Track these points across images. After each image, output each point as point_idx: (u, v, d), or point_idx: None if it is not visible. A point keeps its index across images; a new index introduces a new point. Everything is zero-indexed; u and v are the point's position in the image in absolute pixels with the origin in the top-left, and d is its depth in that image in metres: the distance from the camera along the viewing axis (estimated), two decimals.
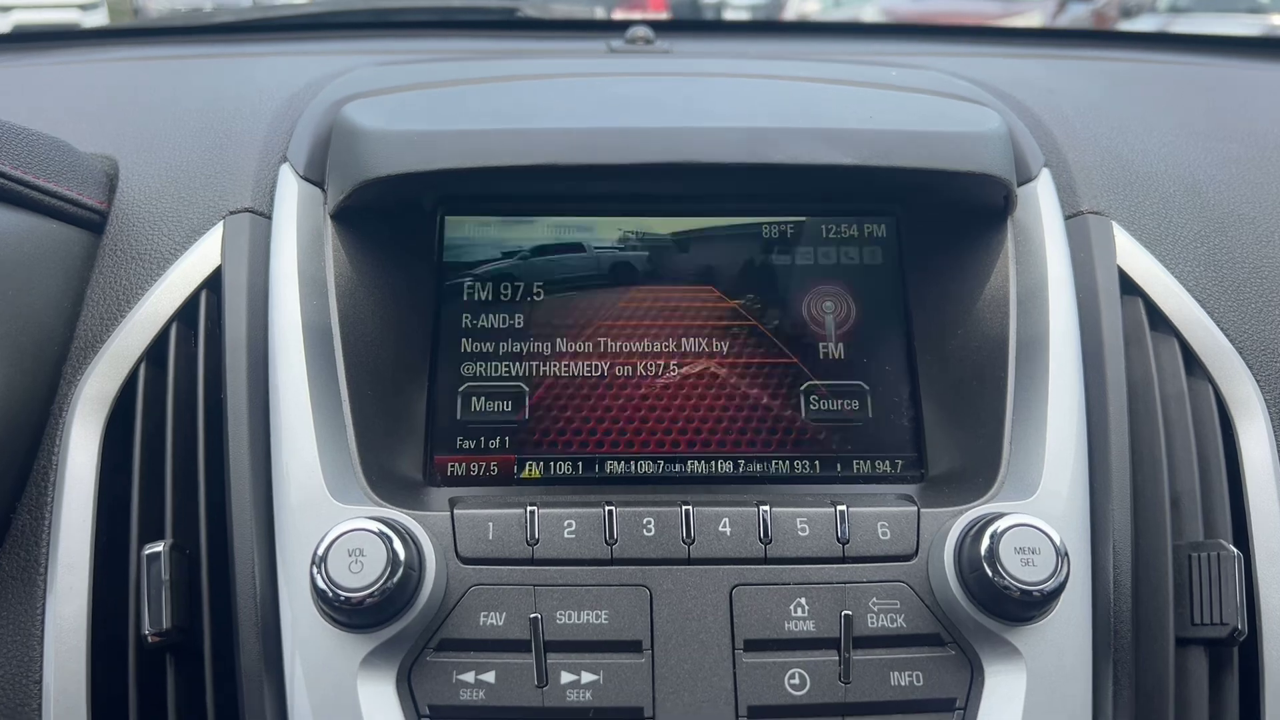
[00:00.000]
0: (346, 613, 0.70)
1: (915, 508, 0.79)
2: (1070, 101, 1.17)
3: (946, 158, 0.82)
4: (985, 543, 0.73)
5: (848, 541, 0.78)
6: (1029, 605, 0.72)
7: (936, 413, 0.91)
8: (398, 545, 0.71)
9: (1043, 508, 0.77)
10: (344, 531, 0.71)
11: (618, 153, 0.80)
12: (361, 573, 0.70)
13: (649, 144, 0.80)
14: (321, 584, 0.70)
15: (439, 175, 0.82)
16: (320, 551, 0.71)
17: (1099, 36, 1.77)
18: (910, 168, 0.81)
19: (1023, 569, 0.71)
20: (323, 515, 0.75)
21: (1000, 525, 0.73)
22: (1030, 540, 0.72)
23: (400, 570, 0.70)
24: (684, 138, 0.81)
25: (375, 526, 0.72)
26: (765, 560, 0.77)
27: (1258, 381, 0.90)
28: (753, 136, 0.81)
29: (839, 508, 0.79)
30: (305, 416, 0.80)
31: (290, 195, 0.93)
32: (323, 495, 0.77)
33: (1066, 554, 0.73)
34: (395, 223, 0.94)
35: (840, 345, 0.94)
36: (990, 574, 0.72)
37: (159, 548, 0.77)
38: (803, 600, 0.76)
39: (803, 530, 0.78)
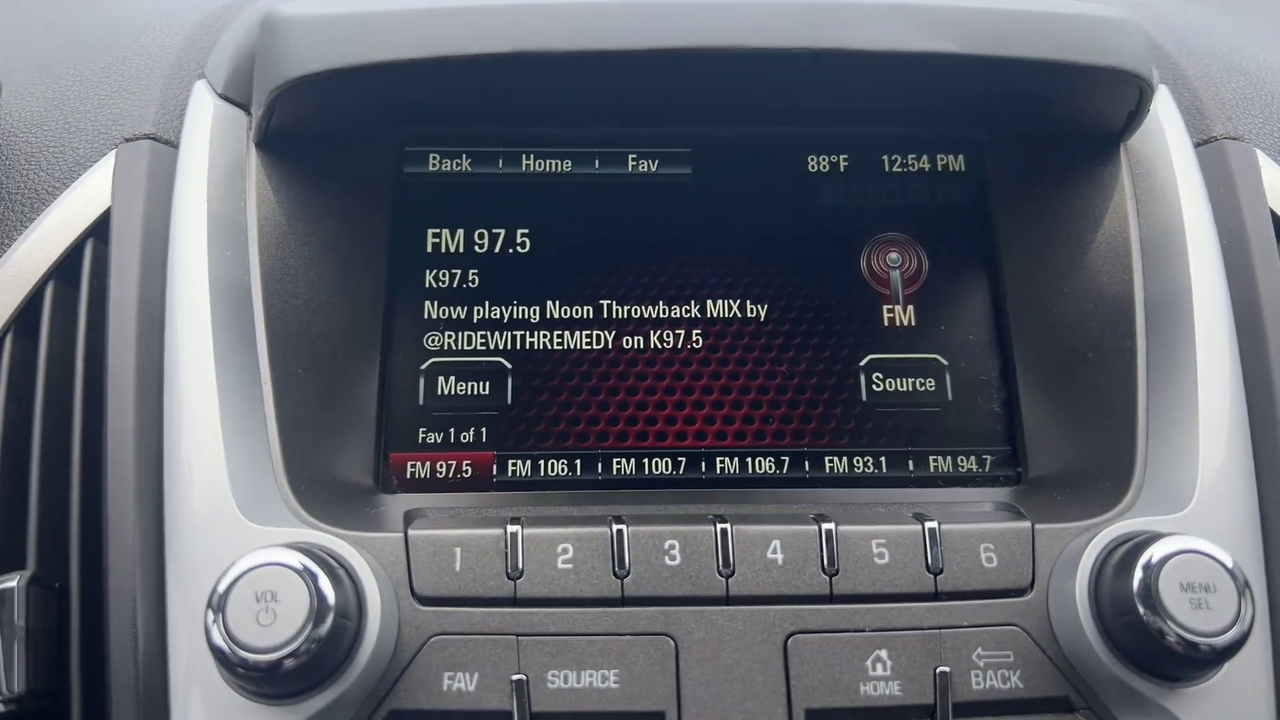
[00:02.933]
0: (256, 680, 0.50)
1: (1028, 523, 0.59)
2: (1172, 13, 0.96)
3: (1078, 47, 0.61)
4: (1138, 575, 0.53)
5: (941, 571, 0.58)
6: (1198, 663, 0.53)
7: (1037, 395, 0.71)
8: (325, 585, 0.51)
9: (1203, 523, 0.57)
10: (250, 567, 0.51)
11: (623, 35, 0.58)
12: (274, 625, 0.50)
13: (665, 23, 0.58)
14: (219, 640, 0.50)
15: (383, 75, 0.61)
16: (219, 594, 0.51)
17: None
18: (1034, 59, 0.60)
19: (1194, 613, 0.52)
20: (227, 539, 0.56)
21: (1157, 551, 0.54)
22: (1201, 572, 0.53)
23: (330, 620, 0.51)
24: (715, 14, 0.59)
25: (295, 559, 0.52)
26: (831, 599, 0.57)
27: None
28: (811, 11, 0.59)
29: (927, 524, 0.59)
30: (210, 403, 0.60)
31: (204, 118, 0.72)
32: (229, 511, 0.57)
33: (1249, 589, 0.53)
34: (339, 153, 0.73)
35: (910, 309, 0.74)
36: (1148, 620, 0.52)
37: (12, 582, 0.57)
38: (883, 653, 0.56)
39: (880, 556, 0.58)
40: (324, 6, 0.63)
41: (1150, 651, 0.53)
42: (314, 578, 0.51)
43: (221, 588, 0.51)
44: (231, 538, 0.55)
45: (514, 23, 0.57)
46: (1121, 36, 0.63)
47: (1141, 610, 0.52)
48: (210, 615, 0.51)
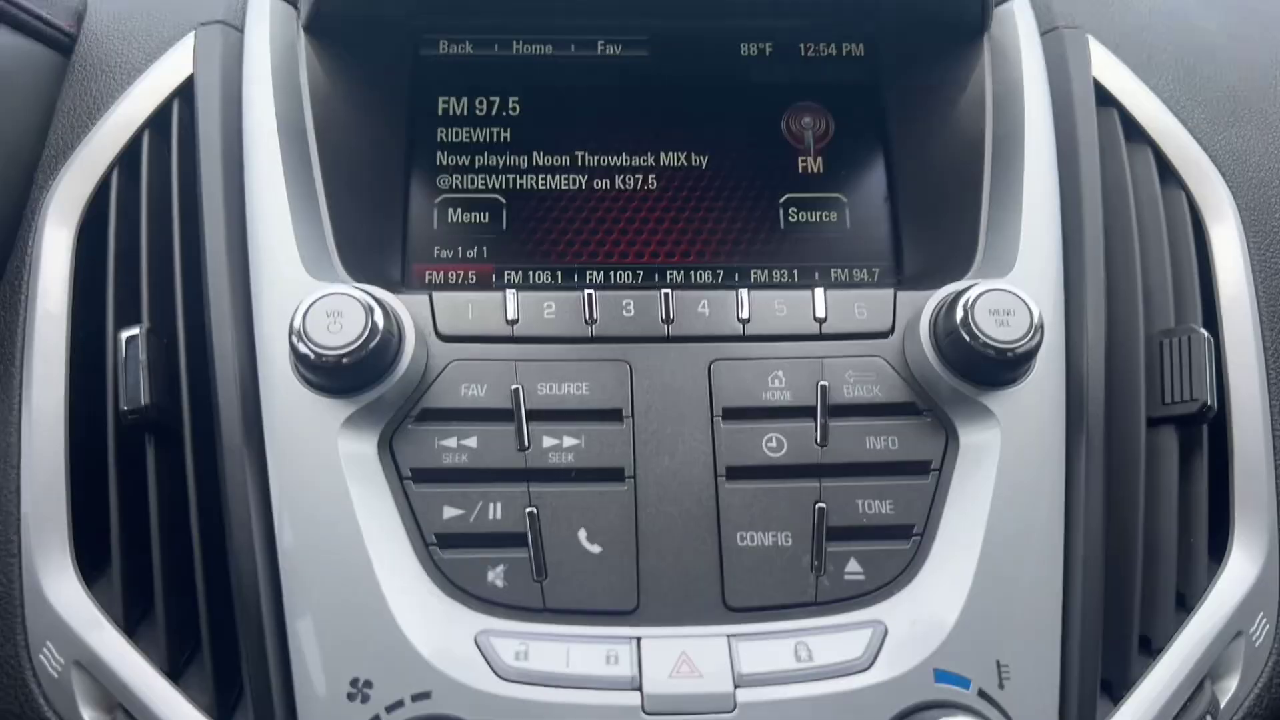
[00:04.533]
0: (325, 373, 0.70)
1: (892, 289, 0.80)
2: None
3: None
4: (960, 311, 0.73)
5: (825, 320, 0.78)
6: (1004, 365, 0.73)
7: (914, 221, 0.91)
8: (376, 312, 0.71)
9: (1018, 281, 0.78)
10: (323, 294, 0.71)
11: None
12: (340, 332, 0.70)
13: None
14: (300, 346, 0.70)
15: None
16: (300, 315, 0.70)
17: None
18: None
19: (997, 329, 0.72)
20: (301, 289, 0.75)
21: (975, 293, 0.74)
22: (1005, 303, 0.73)
23: (379, 335, 0.70)
24: None
25: (356, 293, 0.71)
26: (744, 338, 0.77)
27: (1229, 186, 0.91)
28: None
29: (816, 290, 0.79)
30: (282, 208, 0.80)
31: (263, 9, 0.91)
32: (300, 273, 0.76)
33: (1041, 320, 0.73)
34: (369, 39, 0.93)
35: (819, 159, 0.94)
36: (965, 336, 0.72)
37: (135, 331, 0.76)
38: (780, 373, 0.76)
39: (780, 310, 0.78)
40: None
41: (970, 360, 0.73)
42: (369, 308, 0.71)
43: (301, 312, 0.70)
44: (303, 289, 0.75)
45: None
46: None
47: (962, 331, 0.72)
48: (294, 332, 0.70)
